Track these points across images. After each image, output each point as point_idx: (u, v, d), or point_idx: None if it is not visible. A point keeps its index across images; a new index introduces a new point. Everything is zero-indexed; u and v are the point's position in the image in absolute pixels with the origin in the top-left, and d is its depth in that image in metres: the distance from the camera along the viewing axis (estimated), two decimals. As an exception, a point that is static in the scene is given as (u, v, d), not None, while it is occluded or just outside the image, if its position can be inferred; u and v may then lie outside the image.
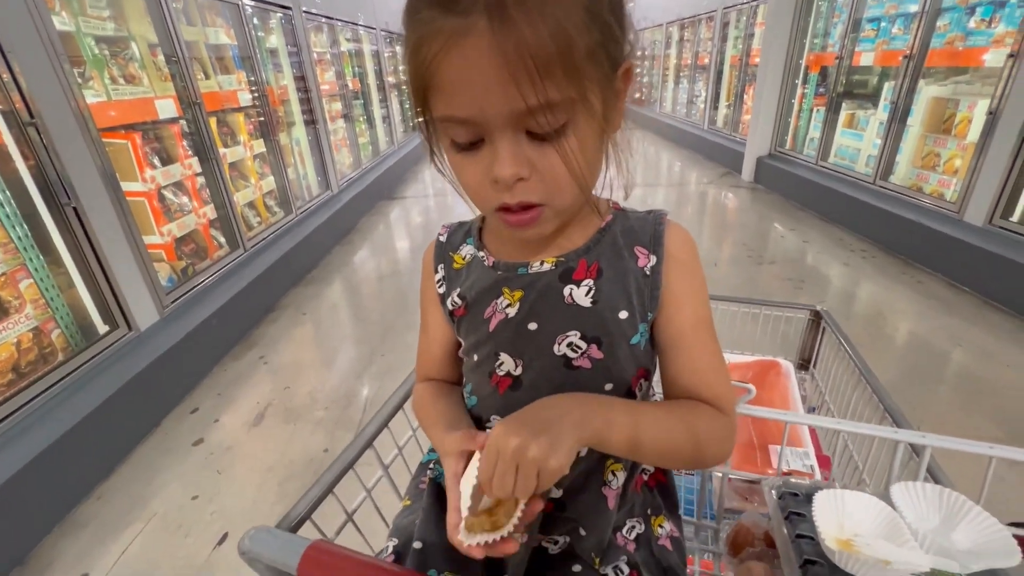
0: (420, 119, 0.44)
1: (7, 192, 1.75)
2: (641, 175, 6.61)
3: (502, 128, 0.40)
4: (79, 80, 2.17)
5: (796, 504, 0.43)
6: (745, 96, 6.11)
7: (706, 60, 7.14)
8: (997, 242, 2.80)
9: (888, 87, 3.84)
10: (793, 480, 0.48)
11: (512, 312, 0.52)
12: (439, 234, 0.61)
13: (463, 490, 0.45)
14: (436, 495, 0.59)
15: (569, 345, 0.51)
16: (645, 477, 0.60)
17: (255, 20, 3.39)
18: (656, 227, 0.53)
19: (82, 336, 2.02)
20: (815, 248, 3.75)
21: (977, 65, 3.17)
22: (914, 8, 3.54)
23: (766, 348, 1.33)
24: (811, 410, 1.22)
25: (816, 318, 1.21)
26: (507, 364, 0.53)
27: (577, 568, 0.53)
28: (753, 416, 0.63)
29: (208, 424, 2.11)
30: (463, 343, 0.58)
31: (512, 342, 0.52)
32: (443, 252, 0.59)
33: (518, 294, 0.52)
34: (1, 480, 1.45)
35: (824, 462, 1.02)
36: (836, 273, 3.36)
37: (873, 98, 4.17)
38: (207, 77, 3.10)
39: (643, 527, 0.57)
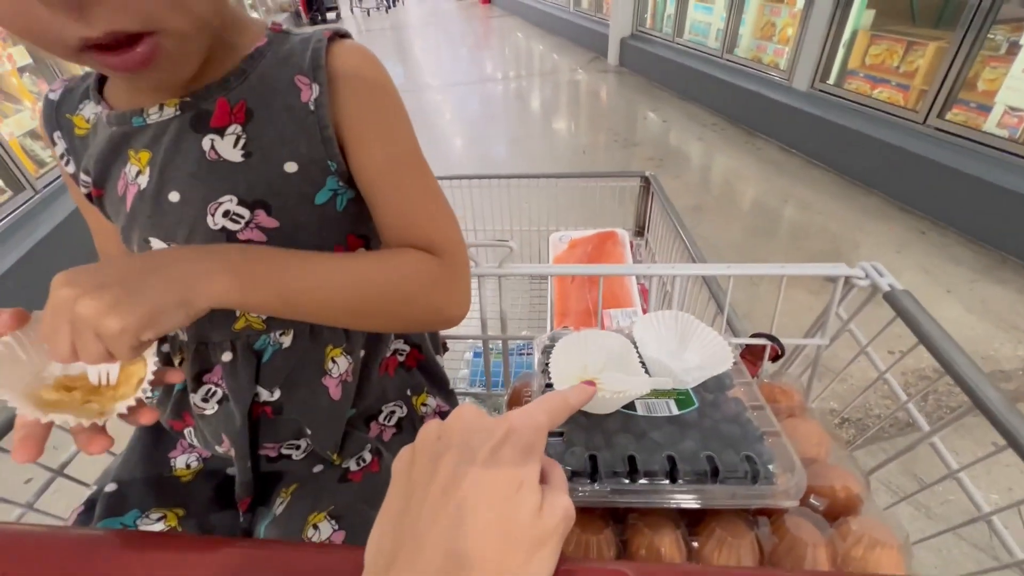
0: None
1: None
2: (513, 67, 6.31)
3: None
4: None
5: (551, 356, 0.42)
6: (607, -28, 5.88)
7: (567, -69, 6.67)
8: (817, 105, 3.10)
9: (733, -45, 3.87)
10: (560, 331, 0.48)
11: (144, 182, 0.41)
12: (50, 90, 0.46)
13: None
14: (144, 431, 0.52)
15: (227, 215, 0.40)
16: (401, 358, 0.57)
17: None
18: (317, 48, 0.40)
19: None
20: (675, 127, 3.92)
21: (805, -73, 3.26)
22: None
23: (613, 222, 1.39)
24: (646, 273, 1.30)
25: (646, 184, 1.25)
26: None
27: (318, 468, 0.50)
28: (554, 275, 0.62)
29: None
30: (119, 231, 0.46)
31: (155, 222, 0.41)
32: (58, 116, 0.45)
33: (144, 155, 0.40)
34: None
35: (652, 318, 1.10)
36: (693, 149, 3.57)
37: (721, -32, 4.19)
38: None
39: (404, 409, 0.55)
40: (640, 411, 0.40)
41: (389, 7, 12.51)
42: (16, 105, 2.76)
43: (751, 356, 0.60)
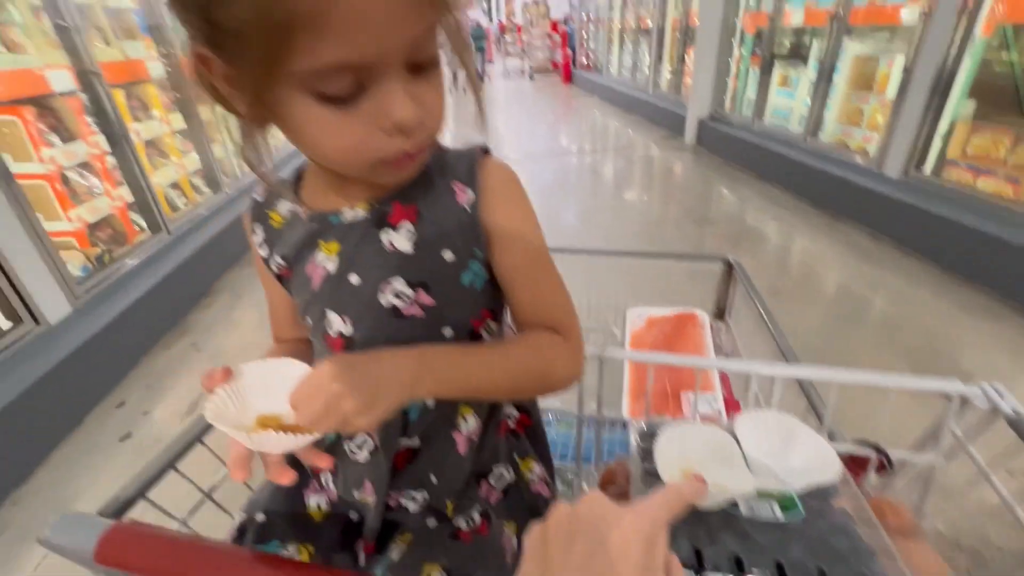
0: (252, 88, 0.35)
1: None
2: (589, 141, 6.61)
3: (395, 66, 0.36)
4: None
5: (650, 442, 0.44)
6: (686, 59, 6.15)
7: (649, 23, 7.12)
8: (911, 193, 2.97)
9: (817, 46, 3.95)
10: (658, 418, 0.49)
11: (332, 267, 0.50)
12: (254, 193, 0.56)
13: (254, 376, 0.43)
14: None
15: (396, 295, 0.48)
16: (510, 423, 0.61)
17: (158, -20, 3.09)
18: (472, 161, 0.50)
19: None
20: (751, 207, 3.88)
21: (895, 23, 3.29)
22: (839, -34, 3.61)
23: (690, 301, 1.37)
24: (726, 358, 1.27)
25: (728, 268, 1.25)
26: (336, 323, 0.51)
27: (432, 522, 0.53)
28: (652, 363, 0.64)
29: (136, 417, 2.00)
30: (298, 305, 0.55)
31: (336, 298, 0.50)
32: (260, 212, 0.55)
33: (335, 246, 0.49)
34: None
35: (733, 406, 1.07)
36: (771, 230, 3.50)
37: (804, 57, 4.28)
38: (108, 44, 2.82)
39: (512, 474, 0.58)
40: (743, 510, 0.40)
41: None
42: (166, 160, 3.26)
43: (853, 465, 0.58)
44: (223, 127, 4.17)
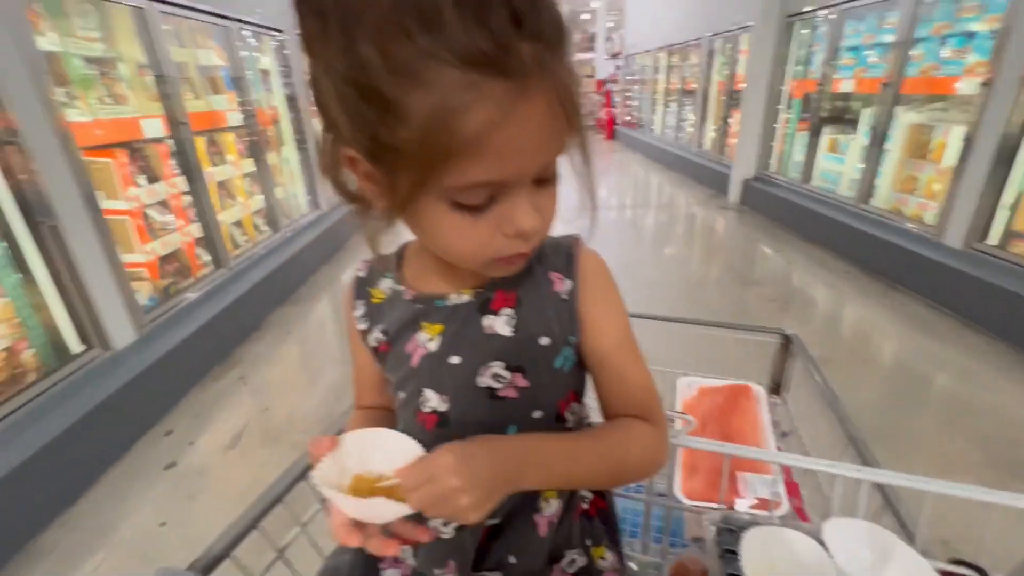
0: (400, 194, 0.38)
1: (-17, 210, 1.75)
2: (631, 196, 6.69)
3: (527, 182, 0.39)
4: (66, 99, 2.19)
5: (732, 541, 0.42)
6: (731, 120, 6.23)
7: (694, 85, 7.30)
8: (975, 265, 2.84)
9: (868, 113, 3.93)
10: (734, 513, 0.47)
11: (433, 346, 0.52)
12: (357, 269, 0.59)
13: (353, 444, 0.43)
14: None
15: (494, 376, 0.50)
16: (584, 505, 0.60)
17: (247, 42, 3.43)
18: (569, 252, 0.53)
19: (56, 356, 1.99)
20: (799, 269, 3.79)
21: (950, 93, 3.26)
22: (890, 38, 3.65)
23: (741, 372, 1.31)
24: (783, 435, 1.22)
25: (786, 342, 1.21)
26: (432, 400, 0.52)
27: None
28: (700, 449, 0.63)
29: (182, 447, 2.06)
30: (390, 379, 0.57)
31: (435, 377, 0.52)
32: (362, 288, 0.58)
33: (438, 328, 0.52)
34: (-41, 506, 1.41)
35: (793, 489, 1.01)
36: (820, 295, 3.39)
37: (854, 123, 4.26)
38: (197, 97, 3.12)
39: (584, 559, 0.56)
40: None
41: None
42: (233, 201, 3.50)
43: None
44: (287, 172, 4.49)
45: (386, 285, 0.56)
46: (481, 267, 0.45)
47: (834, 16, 4.21)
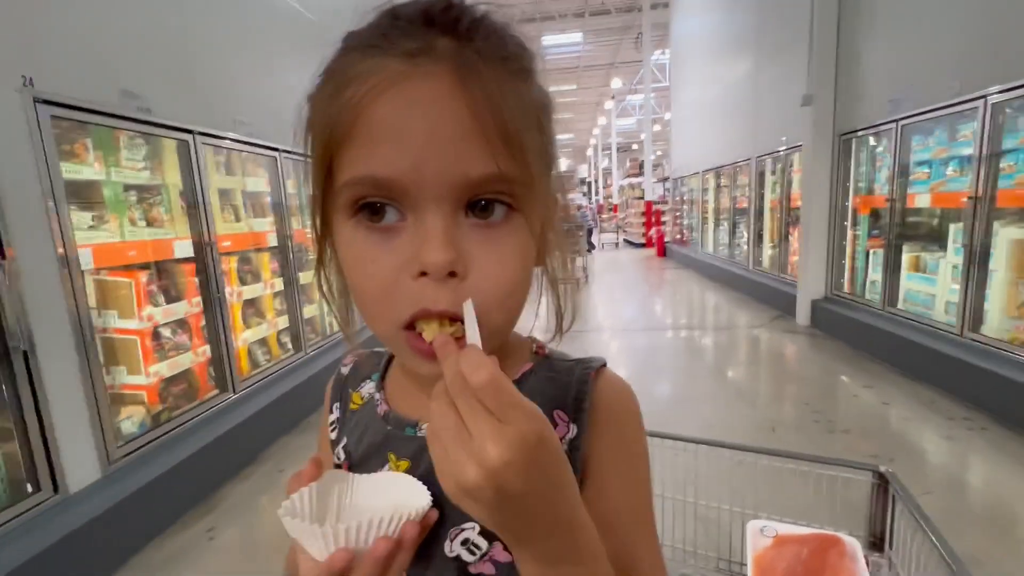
0: (314, 206, 0.36)
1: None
2: (685, 315, 6.23)
3: (438, 200, 0.32)
4: (93, 222, 2.23)
5: None
6: (791, 237, 5.87)
7: (745, 204, 7.13)
8: None
9: (956, 229, 3.48)
10: None
11: None
12: (343, 364, 0.52)
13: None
14: None
15: (465, 543, 0.39)
16: None
17: (290, 170, 3.62)
18: (581, 387, 0.42)
19: (11, 492, 1.74)
20: (900, 413, 3.08)
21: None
22: (967, 151, 3.33)
23: (825, 518, 1.04)
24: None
25: (882, 483, 0.98)
26: None
27: None
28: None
29: (107, 628, 1.65)
30: None
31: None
32: (344, 389, 0.51)
33: (404, 464, 0.42)
34: None
35: None
36: (936, 449, 2.67)
37: (939, 240, 3.79)
38: (237, 220, 3.22)
39: None
40: None
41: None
42: (261, 319, 3.44)
43: None
44: (316, 287, 4.50)
45: (367, 390, 0.49)
46: (392, 342, 0.36)
47: (893, 131, 3.97)
